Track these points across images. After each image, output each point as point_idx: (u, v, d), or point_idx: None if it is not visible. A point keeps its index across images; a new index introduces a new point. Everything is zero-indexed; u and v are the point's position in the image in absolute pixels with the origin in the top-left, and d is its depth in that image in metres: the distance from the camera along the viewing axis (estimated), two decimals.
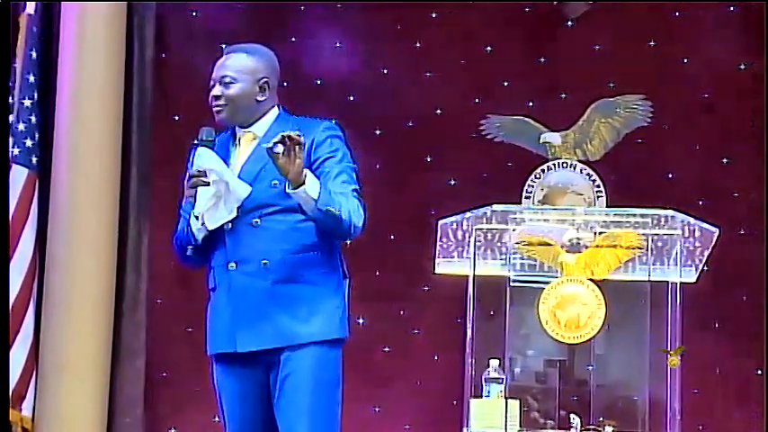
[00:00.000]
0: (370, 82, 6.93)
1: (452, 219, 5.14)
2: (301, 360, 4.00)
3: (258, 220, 4.04)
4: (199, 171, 4.03)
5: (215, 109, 4.17)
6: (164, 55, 7.01)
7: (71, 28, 6.58)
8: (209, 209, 4.04)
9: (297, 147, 3.88)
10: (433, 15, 7.08)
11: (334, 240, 4.11)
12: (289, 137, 3.87)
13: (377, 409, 6.94)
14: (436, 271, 5.40)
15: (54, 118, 6.59)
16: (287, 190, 3.96)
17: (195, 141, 4.11)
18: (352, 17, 7.04)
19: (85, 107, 6.54)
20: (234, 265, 4.06)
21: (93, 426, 6.47)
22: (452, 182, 6.96)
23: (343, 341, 4.12)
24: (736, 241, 6.67)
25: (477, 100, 6.92)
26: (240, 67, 4.16)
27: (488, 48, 7.10)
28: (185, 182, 4.08)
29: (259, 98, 4.16)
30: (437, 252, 5.29)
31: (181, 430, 6.93)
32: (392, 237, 6.78)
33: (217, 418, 6.94)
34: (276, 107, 4.22)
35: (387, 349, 6.97)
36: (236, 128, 4.21)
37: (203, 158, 4.05)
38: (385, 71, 6.98)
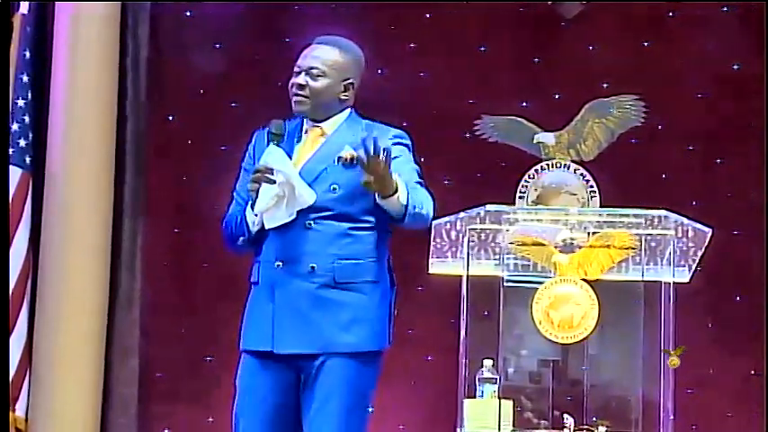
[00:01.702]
0: (365, 82, 6.92)
1: (446, 219, 5.14)
2: (337, 368, 3.94)
3: (312, 222, 3.98)
4: (267, 168, 3.94)
5: (296, 98, 4.07)
6: (158, 55, 7.00)
7: (65, 28, 6.58)
8: (270, 208, 3.98)
9: (387, 158, 3.79)
10: (428, 16, 7.08)
11: (384, 249, 4.08)
12: (384, 149, 3.79)
13: (370, 410, 6.93)
14: (430, 271, 5.41)
15: (48, 118, 6.58)
16: (378, 201, 3.90)
17: (268, 133, 4.02)
18: (347, 17, 7.04)
19: (79, 107, 6.53)
20: (280, 263, 3.99)
21: (86, 426, 6.47)
22: (446, 182, 6.96)
23: (383, 352, 4.07)
24: (730, 241, 6.67)
25: (471, 100, 6.92)
26: (331, 61, 4.08)
27: (482, 48, 7.10)
28: (251, 173, 3.98)
29: (342, 97, 4.11)
30: (431, 252, 5.29)
31: (175, 430, 6.92)
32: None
33: (211, 419, 6.98)
34: (349, 107, 4.16)
35: None
36: (305, 120, 4.13)
37: (273, 157, 3.97)
38: (379, 71, 6.98)
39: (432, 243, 5.23)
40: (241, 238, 4.07)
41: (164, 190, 6.96)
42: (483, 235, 5.16)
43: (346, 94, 4.12)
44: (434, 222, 5.15)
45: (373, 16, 7.03)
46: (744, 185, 6.97)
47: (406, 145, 4.12)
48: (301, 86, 4.06)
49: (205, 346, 6.74)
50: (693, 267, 5.21)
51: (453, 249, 5.25)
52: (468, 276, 5.11)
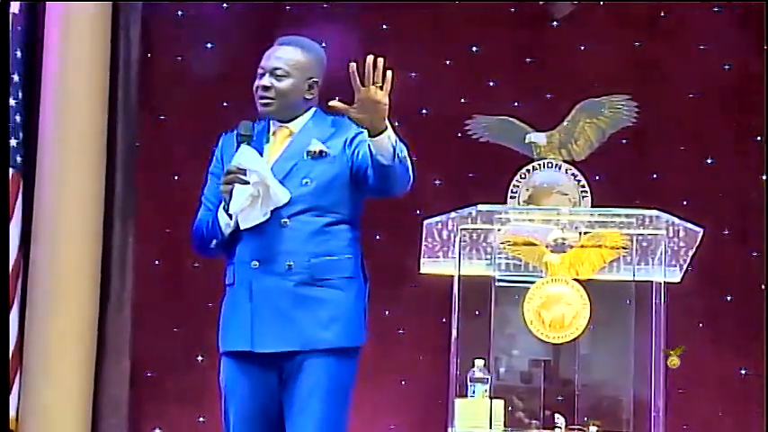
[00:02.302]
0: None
1: (438, 219, 5.14)
2: (318, 366, 3.96)
3: (287, 220, 3.99)
4: (239, 169, 3.95)
5: (262, 100, 4.09)
6: (149, 55, 7.00)
7: (56, 27, 6.56)
8: (245, 208, 3.98)
9: (385, 84, 3.77)
10: (419, 16, 7.08)
11: (357, 245, 4.08)
12: (382, 71, 3.75)
13: (361, 409, 6.93)
14: (421, 271, 5.40)
15: (38, 117, 6.57)
16: (369, 142, 3.83)
17: (237, 134, 4.02)
18: (338, 17, 7.04)
19: (70, 107, 6.52)
20: (257, 263, 4.00)
21: (77, 426, 6.46)
22: (438, 182, 6.97)
23: (360, 348, 4.08)
24: (721, 241, 6.69)
25: (462, 100, 6.92)
26: (294, 61, 4.10)
27: (474, 48, 7.11)
28: (221, 177, 3.99)
29: (307, 96, 4.12)
30: (422, 252, 5.29)
31: (166, 430, 6.92)
32: (377, 237, 6.78)
33: (202, 419, 6.98)
34: (314, 106, 4.17)
35: (371, 349, 6.96)
36: (272, 121, 4.15)
37: (246, 157, 3.98)
38: (389, 71, 6.98)
39: (423, 243, 5.23)
40: (214, 241, 4.08)
41: (155, 190, 6.95)
42: (474, 235, 5.16)
43: (311, 92, 4.14)
44: (426, 222, 5.16)
45: (364, 16, 7.03)
46: (735, 185, 6.98)
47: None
48: (267, 88, 4.09)
49: (196, 345, 6.73)
50: (685, 267, 5.22)
51: (445, 249, 5.25)
52: (459, 276, 5.11)
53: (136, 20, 6.81)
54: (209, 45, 7.02)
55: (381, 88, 3.84)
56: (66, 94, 6.52)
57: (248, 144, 4.02)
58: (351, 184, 4.06)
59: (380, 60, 3.83)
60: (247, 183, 3.95)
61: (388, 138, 3.86)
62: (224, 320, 4.11)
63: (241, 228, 4.02)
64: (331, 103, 3.92)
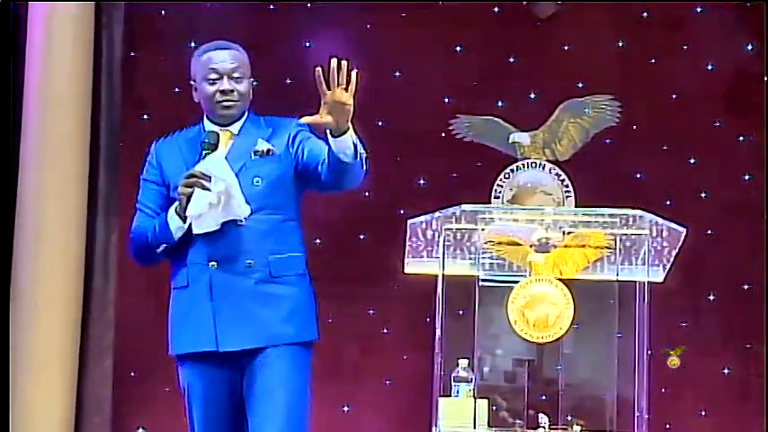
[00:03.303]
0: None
1: (422, 218, 5.14)
2: (279, 359, 3.99)
3: (243, 219, 4.01)
4: (203, 174, 3.96)
5: (225, 104, 4.09)
6: (132, 54, 6.99)
7: (39, 27, 6.55)
8: (202, 214, 3.99)
9: (350, 86, 3.82)
10: (403, 15, 7.09)
11: (302, 242, 4.11)
12: (347, 73, 3.80)
13: (346, 409, 6.94)
14: (405, 270, 5.40)
15: (21, 117, 6.55)
16: (332, 142, 3.86)
17: (202, 143, 4.03)
18: (322, 17, 7.04)
19: (53, 107, 6.50)
20: (215, 263, 4.02)
21: (61, 426, 6.44)
22: (422, 181, 6.97)
23: (314, 343, 4.12)
24: (704, 241, 6.70)
25: (446, 100, 6.93)
26: (244, 63, 4.13)
27: (458, 48, 7.11)
28: (183, 178, 3.98)
29: (250, 96, 4.16)
30: (406, 251, 5.29)
31: (149, 430, 6.91)
32: (361, 236, 6.78)
33: (185, 418, 6.95)
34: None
35: (356, 348, 6.97)
36: (207, 126, 4.15)
37: (215, 165, 3.99)
38: (354, 71, 6.97)
39: (407, 243, 5.23)
40: (163, 246, 4.08)
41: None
42: (458, 234, 5.16)
43: (250, 94, 4.17)
44: (410, 222, 5.16)
45: (348, 16, 7.03)
46: (718, 185, 7.00)
47: (311, 132, 4.12)
48: (229, 92, 4.09)
49: None
50: (668, 267, 5.23)
51: (429, 249, 5.25)
52: (443, 276, 5.11)
53: (119, 19, 6.80)
54: (192, 44, 7.01)
55: (346, 90, 3.84)
56: (49, 94, 6.51)
57: (213, 152, 4.02)
58: (295, 182, 4.09)
59: (344, 63, 3.84)
60: (209, 189, 3.96)
61: (351, 137, 3.90)
62: (178, 323, 4.11)
63: (194, 232, 4.02)
64: (302, 121, 3.93)
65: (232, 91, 4.09)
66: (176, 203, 4.02)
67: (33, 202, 6.48)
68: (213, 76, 4.10)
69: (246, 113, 4.17)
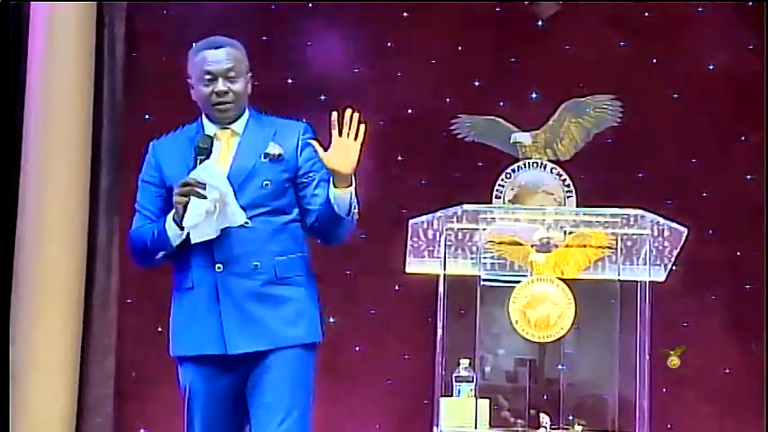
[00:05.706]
0: (342, 81, 6.93)
1: (423, 218, 5.14)
2: (285, 361, 4.00)
3: (249, 221, 4.01)
4: (198, 182, 3.95)
5: (221, 106, 4.08)
6: (134, 54, 6.99)
7: (40, 27, 6.55)
8: (200, 223, 3.98)
9: (358, 136, 3.96)
10: (405, 15, 7.09)
11: (306, 243, 4.13)
12: (357, 123, 3.96)
13: (347, 409, 6.94)
14: (407, 270, 5.41)
15: (23, 117, 6.56)
16: (333, 194, 3.96)
17: (195, 147, 4.02)
18: (324, 16, 7.04)
19: (55, 106, 6.51)
20: (221, 266, 4.01)
21: (62, 425, 6.45)
22: (423, 181, 6.97)
23: (318, 344, 4.13)
24: (705, 241, 6.70)
25: (447, 99, 6.93)
26: (240, 61, 4.11)
27: (459, 47, 7.11)
28: (177, 186, 3.97)
29: (248, 93, 4.15)
30: (408, 251, 5.29)
31: (150, 430, 6.91)
32: (363, 236, 6.78)
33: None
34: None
35: (357, 348, 6.97)
36: (206, 124, 4.14)
37: (209, 172, 3.98)
38: (356, 70, 6.98)
39: (409, 242, 5.23)
40: (162, 253, 4.09)
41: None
42: (460, 234, 5.17)
43: (248, 89, 4.15)
44: (411, 221, 5.17)
45: (350, 15, 7.03)
46: (719, 185, 7.00)
47: (314, 140, 4.16)
48: (224, 93, 4.07)
49: None
50: (669, 266, 5.23)
51: (430, 249, 5.25)
52: (444, 275, 5.11)
53: (121, 19, 6.80)
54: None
55: (355, 139, 3.98)
56: (50, 94, 6.51)
57: (207, 157, 4.01)
58: (294, 186, 4.11)
59: (356, 114, 3.96)
60: (204, 197, 3.94)
61: (351, 195, 3.97)
62: (182, 325, 4.09)
63: (192, 241, 4.01)
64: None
65: (227, 92, 4.07)
66: (173, 211, 4.00)
67: (35, 202, 6.49)
68: (208, 77, 4.08)
69: (247, 111, 4.15)
